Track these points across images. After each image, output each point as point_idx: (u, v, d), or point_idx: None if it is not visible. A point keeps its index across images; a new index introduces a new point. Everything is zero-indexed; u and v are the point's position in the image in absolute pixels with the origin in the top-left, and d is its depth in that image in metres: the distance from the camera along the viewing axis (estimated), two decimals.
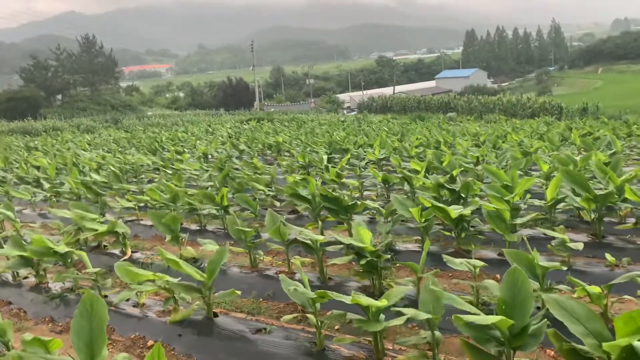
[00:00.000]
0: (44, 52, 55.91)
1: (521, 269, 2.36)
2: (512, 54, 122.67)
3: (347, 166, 9.23)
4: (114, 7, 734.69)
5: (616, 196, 4.55)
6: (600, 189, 4.91)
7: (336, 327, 3.40)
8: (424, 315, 2.39)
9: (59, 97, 51.72)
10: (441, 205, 4.25)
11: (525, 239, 3.34)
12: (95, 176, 8.05)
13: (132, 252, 5.22)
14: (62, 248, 3.94)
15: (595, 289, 2.75)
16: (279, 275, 3.26)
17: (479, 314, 2.33)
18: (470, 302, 3.32)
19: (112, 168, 8.57)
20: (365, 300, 2.54)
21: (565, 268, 3.13)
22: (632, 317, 1.91)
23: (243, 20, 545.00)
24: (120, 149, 14.77)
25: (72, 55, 53.93)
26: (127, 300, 3.85)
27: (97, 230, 4.81)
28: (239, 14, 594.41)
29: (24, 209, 8.08)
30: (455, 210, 4.18)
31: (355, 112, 43.57)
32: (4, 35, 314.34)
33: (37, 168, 10.16)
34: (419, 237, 4.84)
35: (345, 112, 51.76)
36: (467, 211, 4.25)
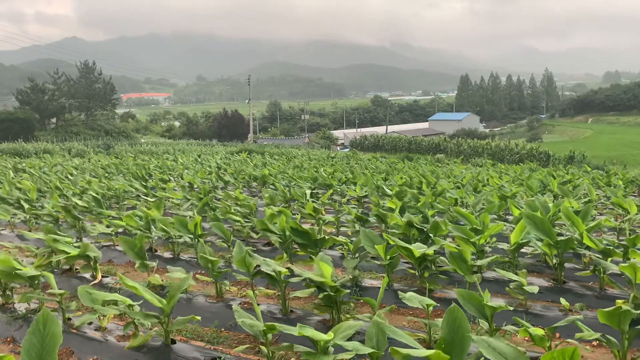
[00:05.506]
0: (42, 76, 56.12)
1: (460, 308, 2.45)
2: (504, 100, 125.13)
3: (329, 202, 9.36)
4: (115, 35, 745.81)
5: (576, 242, 4.67)
6: (567, 235, 5.04)
7: (292, 359, 3.45)
8: (365, 350, 2.47)
9: (54, 120, 51.82)
10: (404, 244, 4.35)
11: (476, 280, 3.43)
12: (76, 200, 8.10)
13: (102, 276, 5.26)
14: (28, 270, 3.98)
15: (538, 331, 2.84)
16: (240, 306, 3.33)
17: (418, 348, 2.41)
18: (424, 340, 3.40)
19: (93, 193, 8.62)
20: (311, 333, 2.61)
21: (511, 309, 3.21)
22: (553, 357, 2.02)
23: (242, 55, 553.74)
24: (107, 175, 14.81)
25: (70, 79, 54.33)
26: (90, 323, 3.88)
27: (68, 253, 4.86)
28: (238, 49, 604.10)
29: (2, 230, 8.09)
30: (418, 250, 4.29)
31: (348, 149, 44.01)
32: (3, 57, 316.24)
33: (20, 190, 10.19)
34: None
35: (338, 148, 52.30)
36: (430, 250, 4.36)
